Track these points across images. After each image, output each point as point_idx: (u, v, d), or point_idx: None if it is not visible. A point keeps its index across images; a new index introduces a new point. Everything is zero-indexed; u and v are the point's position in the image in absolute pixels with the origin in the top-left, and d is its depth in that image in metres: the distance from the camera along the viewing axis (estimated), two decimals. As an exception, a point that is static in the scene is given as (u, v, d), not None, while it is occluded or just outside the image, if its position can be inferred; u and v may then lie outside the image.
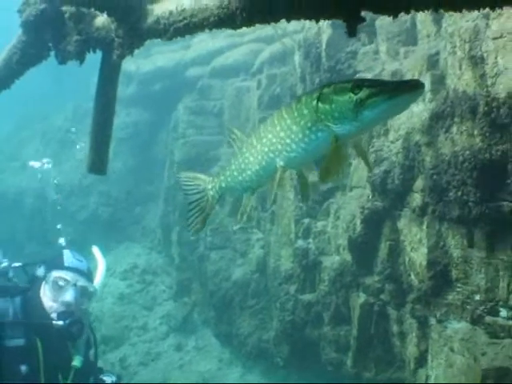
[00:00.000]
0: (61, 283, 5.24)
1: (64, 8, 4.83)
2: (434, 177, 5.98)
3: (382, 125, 7.08)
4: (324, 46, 8.57)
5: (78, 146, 18.06)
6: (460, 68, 5.61)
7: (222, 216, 12.50)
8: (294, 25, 9.76)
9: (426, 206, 6.33)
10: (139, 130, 17.73)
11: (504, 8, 2.88)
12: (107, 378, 5.61)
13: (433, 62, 6.44)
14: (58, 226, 16.56)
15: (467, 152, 5.43)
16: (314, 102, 3.47)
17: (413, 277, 6.65)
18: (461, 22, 5.60)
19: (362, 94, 3.25)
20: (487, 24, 5.23)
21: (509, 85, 4.94)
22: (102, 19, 4.78)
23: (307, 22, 6.74)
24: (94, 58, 5.03)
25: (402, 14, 3.04)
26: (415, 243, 6.58)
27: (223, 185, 4.66)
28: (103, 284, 5.97)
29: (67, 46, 4.95)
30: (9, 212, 18.51)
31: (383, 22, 7.72)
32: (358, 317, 7.83)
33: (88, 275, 5.46)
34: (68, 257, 5.45)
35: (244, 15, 3.57)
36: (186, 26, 4.11)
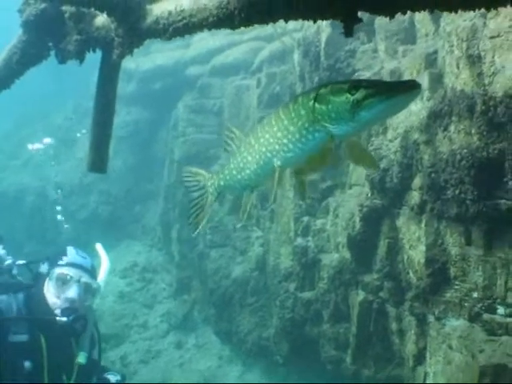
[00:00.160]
0: (65, 279, 5.25)
1: (64, 8, 4.86)
2: (432, 175, 6.01)
3: (380, 123, 7.11)
4: (323, 45, 8.60)
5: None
6: (458, 67, 5.63)
7: (222, 214, 12.54)
8: (294, 23, 9.80)
9: (424, 204, 6.36)
10: (139, 129, 17.77)
11: (498, 8, 2.90)
12: (112, 377, 5.58)
13: (431, 60, 6.46)
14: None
15: (465, 150, 5.45)
16: (311, 103, 3.48)
17: (411, 274, 6.68)
18: (458, 21, 5.61)
19: (359, 94, 3.26)
20: (484, 23, 5.25)
21: (506, 84, 4.96)
22: (101, 19, 4.81)
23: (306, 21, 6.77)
24: (94, 57, 5.06)
25: (399, 14, 3.06)
26: (414, 241, 6.61)
27: (222, 183, 4.71)
28: (106, 281, 5.97)
29: (67, 45, 4.98)
30: (9, 211, 18.53)
31: (382, 20, 7.74)
32: (357, 314, 7.86)
33: (92, 272, 5.45)
34: (72, 253, 5.45)
35: (242, 15, 3.59)
36: (184, 26, 4.14)
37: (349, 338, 8.30)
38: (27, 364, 4.98)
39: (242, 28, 3.84)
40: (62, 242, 15.71)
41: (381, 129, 7.25)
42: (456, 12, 3.01)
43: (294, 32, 10.96)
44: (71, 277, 5.24)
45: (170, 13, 4.21)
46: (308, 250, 9.25)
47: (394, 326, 7.37)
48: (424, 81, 6.28)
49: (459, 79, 5.61)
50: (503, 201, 5.25)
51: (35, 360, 5.02)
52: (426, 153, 6.20)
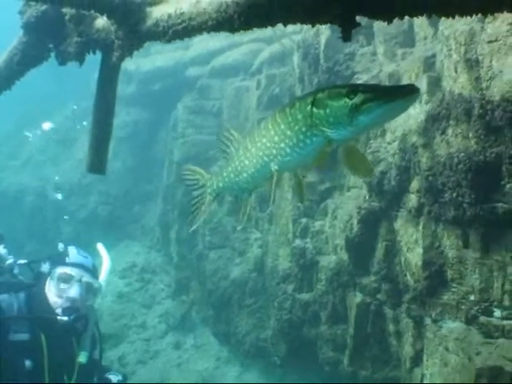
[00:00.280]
0: (66, 278, 5.26)
1: (64, 10, 4.88)
2: (430, 178, 6.04)
3: (378, 127, 7.13)
4: (322, 48, 8.62)
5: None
6: (456, 71, 5.66)
7: (221, 215, 12.55)
8: (293, 26, 9.82)
9: (421, 206, 6.39)
10: (139, 130, 17.79)
11: (494, 14, 2.93)
12: (113, 377, 5.60)
13: (429, 64, 6.49)
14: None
15: (462, 154, 5.48)
16: (309, 107, 3.47)
17: (409, 277, 6.71)
18: (457, 25, 5.64)
19: (357, 99, 3.24)
20: (482, 27, 5.27)
21: (503, 88, 4.99)
22: (101, 21, 4.82)
23: (305, 23, 6.80)
24: (94, 58, 5.08)
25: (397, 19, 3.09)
26: (411, 244, 6.64)
27: (221, 184, 4.73)
28: (108, 281, 5.99)
29: (67, 47, 5.00)
30: (9, 210, 18.54)
31: (381, 24, 7.70)
32: (354, 316, 7.89)
33: (93, 271, 5.46)
34: (73, 253, 5.46)
35: (242, 19, 3.61)
36: (184, 29, 4.16)
37: (346, 339, 8.32)
38: (28, 363, 4.99)
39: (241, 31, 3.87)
40: (62, 242, 15.68)
41: (379, 132, 7.28)
42: (453, 17, 3.03)
43: (294, 34, 10.98)
44: (72, 276, 5.25)
45: (169, 16, 4.22)
46: (306, 251, 9.27)
47: (391, 327, 7.40)
48: (422, 84, 6.31)
49: (457, 83, 5.64)
50: (500, 204, 5.29)
51: (36, 359, 5.02)
52: (423, 156, 6.23)
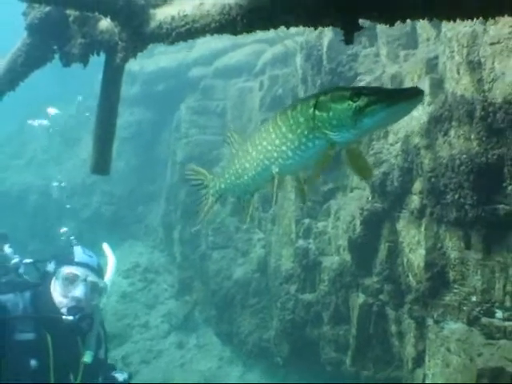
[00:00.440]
0: (71, 278, 5.27)
1: (68, 11, 4.90)
2: (432, 179, 6.05)
3: (381, 129, 7.15)
4: (325, 49, 8.64)
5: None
6: (458, 72, 5.68)
7: (224, 215, 12.57)
8: (296, 27, 9.83)
9: (424, 208, 6.41)
10: (142, 130, 17.81)
11: (496, 17, 2.94)
12: (119, 376, 5.60)
13: (432, 65, 6.51)
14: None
15: (464, 156, 5.49)
16: (311, 110, 3.47)
17: (411, 278, 6.72)
18: (459, 27, 5.65)
19: (361, 101, 3.24)
20: (485, 29, 5.28)
21: (505, 90, 5.00)
22: (105, 23, 4.84)
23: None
24: (98, 60, 5.10)
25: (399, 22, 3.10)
26: (413, 245, 6.65)
27: (223, 186, 4.75)
28: (113, 280, 6.00)
29: (71, 48, 5.02)
30: (12, 210, 18.57)
31: (384, 25, 7.77)
32: (357, 317, 7.91)
33: (98, 271, 5.46)
34: (78, 252, 5.46)
35: (244, 21, 3.63)
36: (187, 31, 4.18)
37: (349, 339, 8.33)
38: (33, 362, 4.99)
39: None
40: (67, 241, 15.73)
41: (382, 133, 7.29)
42: (454, 21, 3.05)
43: (297, 35, 11.00)
44: (78, 276, 5.25)
45: (173, 18, 4.24)
46: (309, 252, 9.29)
47: (393, 328, 7.41)
48: (425, 86, 6.32)
49: (459, 85, 5.65)
50: (502, 206, 5.30)
51: (41, 359, 5.03)
52: (426, 157, 6.24)
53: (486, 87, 5.23)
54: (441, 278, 6.23)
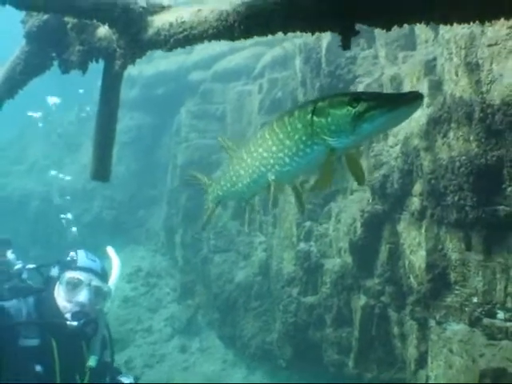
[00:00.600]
0: (75, 283, 5.25)
1: (66, 19, 4.92)
2: (432, 181, 6.05)
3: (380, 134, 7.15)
4: (324, 52, 8.65)
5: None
6: (456, 74, 5.68)
7: (226, 219, 12.57)
8: (295, 30, 9.83)
9: (424, 209, 6.41)
10: (142, 134, 17.83)
11: (492, 21, 2.95)
12: (125, 379, 5.58)
13: (430, 67, 6.51)
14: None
15: (464, 157, 5.50)
16: (309, 116, 3.47)
17: (412, 279, 6.72)
18: (457, 28, 5.65)
19: (361, 107, 3.25)
20: (482, 31, 5.28)
21: (503, 92, 5.00)
22: (103, 30, 4.86)
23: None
24: (97, 66, 5.11)
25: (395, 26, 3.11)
26: (414, 246, 6.65)
27: (220, 193, 4.77)
28: (117, 284, 5.98)
29: (70, 56, 5.04)
30: (13, 215, 18.58)
31: (382, 27, 7.78)
32: (359, 319, 7.91)
33: (102, 275, 5.44)
34: (82, 257, 5.45)
35: (242, 28, 3.65)
36: (185, 38, 4.19)
37: (351, 342, 8.34)
38: (38, 368, 4.98)
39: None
40: (69, 246, 15.73)
41: (382, 135, 7.29)
42: (451, 25, 3.06)
43: (295, 38, 11.00)
44: (82, 281, 5.24)
45: (171, 24, 4.26)
46: (311, 254, 9.30)
47: (395, 330, 7.41)
48: (423, 88, 6.33)
49: (458, 86, 5.65)
50: (502, 207, 5.30)
51: (46, 364, 5.02)
52: (425, 159, 6.24)
53: (485, 89, 5.23)
54: (442, 280, 6.23)
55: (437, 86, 6.27)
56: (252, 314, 11.51)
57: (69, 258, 5.42)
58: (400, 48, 7.69)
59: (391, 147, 7.13)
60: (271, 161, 3.82)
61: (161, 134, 17.28)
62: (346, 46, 3.18)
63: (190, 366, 12.74)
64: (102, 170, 5.34)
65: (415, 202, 6.57)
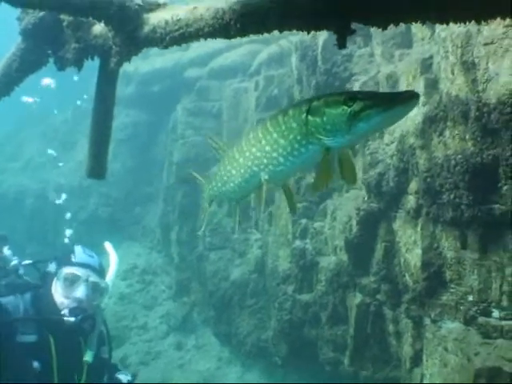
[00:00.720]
0: (72, 278, 5.24)
1: (62, 16, 4.91)
2: (428, 180, 6.06)
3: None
4: (320, 49, 8.63)
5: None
6: (452, 73, 5.68)
7: (221, 216, 12.57)
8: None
9: (420, 208, 6.41)
10: (138, 131, 17.80)
11: (489, 22, 2.95)
12: (123, 377, 5.58)
13: (426, 65, 6.51)
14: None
15: (459, 156, 5.50)
16: (304, 115, 3.45)
17: (408, 277, 6.73)
18: (453, 27, 5.65)
19: (356, 106, 3.23)
20: (479, 30, 5.28)
21: (499, 91, 5.00)
22: (99, 27, 4.85)
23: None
24: (93, 63, 5.10)
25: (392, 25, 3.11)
26: (410, 244, 6.66)
27: (211, 192, 4.76)
28: (114, 279, 5.97)
29: (66, 53, 5.03)
30: (9, 212, 18.54)
31: (378, 25, 7.77)
32: (354, 316, 7.92)
33: (100, 271, 5.43)
34: (79, 252, 5.44)
35: (238, 26, 3.64)
36: (181, 35, 4.19)
37: (346, 339, 8.34)
38: (36, 364, 4.98)
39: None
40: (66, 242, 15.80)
41: (378, 133, 7.29)
42: (447, 24, 3.06)
43: (291, 35, 10.99)
44: (79, 277, 5.23)
45: (166, 22, 4.25)
46: (306, 252, 9.30)
47: (391, 328, 7.43)
48: (420, 86, 6.33)
49: (454, 85, 5.66)
50: (497, 205, 5.32)
51: (44, 360, 5.02)
52: (421, 157, 6.24)
53: (481, 88, 5.23)
54: (437, 278, 6.24)
55: (433, 85, 6.26)
56: (247, 311, 11.51)
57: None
58: (396, 46, 7.69)
59: (387, 145, 7.13)
60: (264, 160, 3.79)
61: (157, 131, 17.24)
62: (341, 44, 3.17)
63: (186, 363, 12.74)
64: (97, 167, 5.35)
65: (411, 201, 6.57)
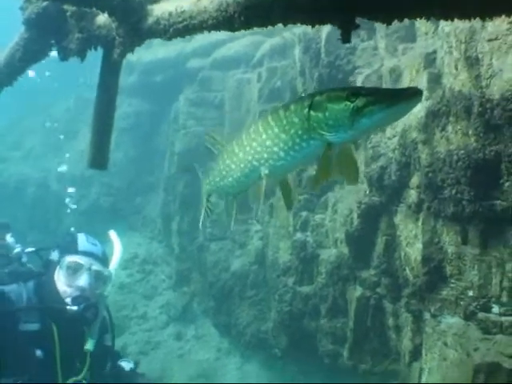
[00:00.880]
0: (75, 267, 5.23)
1: (66, 6, 4.89)
2: (430, 174, 6.05)
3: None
4: (323, 42, 8.60)
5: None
6: (456, 68, 5.66)
7: (222, 207, 12.54)
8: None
9: (421, 202, 6.41)
10: (140, 121, 17.78)
11: (494, 18, 2.94)
12: (126, 364, 5.61)
13: (430, 60, 6.48)
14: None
15: (462, 151, 5.50)
16: (306, 110, 3.45)
17: (408, 272, 6.74)
18: (457, 22, 5.62)
19: (359, 102, 3.22)
20: (483, 25, 5.26)
21: (503, 87, 4.99)
22: (103, 18, 4.83)
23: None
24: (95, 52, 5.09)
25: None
26: (411, 239, 6.66)
27: (208, 187, 4.76)
28: (119, 267, 5.96)
29: (69, 43, 5.02)
30: (10, 201, 18.54)
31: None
32: (354, 309, 7.94)
33: (103, 259, 5.43)
34: (82, 240, 5.44)
35: (242, 19, 3.63)
36: (185, 27, 4.17)
37: (346, 332, 8.37)
38: (39, 353, 5.00)
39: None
40: (68, 231, 15.82)
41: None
42: (452, 20, 3.05)
43: (295, 27, 10.95)
44: (82, 265, 5.23)
45: (170, 14, 4.24)
46: (307, 244, 9.31)
47: (390, 321, 7.45)
48: (423, 80, 6.32)
49: (457, 80, 5.64)
50: (499, 201, 5.31)
51: (47, 349, 5.04)
52: (423, 152, 6.24)
53: (484, 83, 5.22)
54: (438, 273, 6.25)
55: (436, 79, 6.25)
56: (247, 302, 11.52)
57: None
58: (400, 40, 7.66)
59: (389, 139, 7.12)
60: (265, 155, 3.78)
61: (159, 120, 17.22)
62: (346, 39, 3.16)
63: (185, 353, 12.78)
64: (99, 158, 5.32)
65: (412, 195, 6.57)
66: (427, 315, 6.45)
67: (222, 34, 14.82)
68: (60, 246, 5.47)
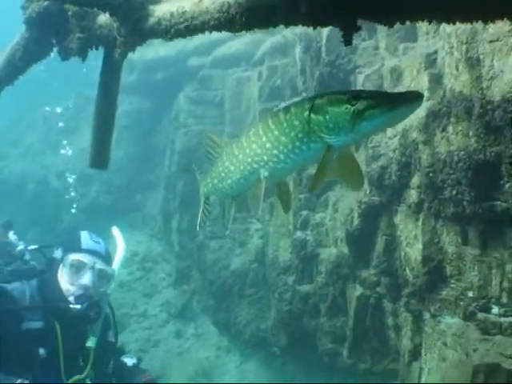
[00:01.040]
0: (78, 265, 5.20)
1: (67, 6, 4.89)
2: (430, 175, 6.06)
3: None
4: (324, 41, 8.59)
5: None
6: (457, 69, 5.66)
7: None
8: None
9: (421, 202, 6.42)
10: (141, 119, 17.78)
11: (495, 22, 2.94)
12: (128, 360, 5.59)
13: (431, 60, 6.48)
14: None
15: (462, 152, 5.50)
16: (306, 113, 3.44)
17: (408, 272, 6.74)
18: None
19: (360, 105, 3.21)
20: (484, 26, 5.26)
21: (504, 88, 4.98)
22: (104, 17, 4.83)
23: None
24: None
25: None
26: (411, 239, 6.67)
27: (206, 189, 4.75)
28: (122, 266, 5.95)
29: (70, 43, 5.01)
30: (11, 198, 18.54)
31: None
32: (354, 309, 7.95)
33: (106, 257, 5.39)
34: (85, 238, 5.41)
35: (243, 20, 3.64)
36: (186, 28, 4.17)
37: (346, 331, 8.38)
38: (42, 351, 4.98)
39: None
40: (70, 228, 15.85)
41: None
42: (454, 24, 3.05)
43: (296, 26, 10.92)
44: (85, 263, 5.20)
45: (172, 14, 4.23)
46: (307, 243, 9.31)
47: (390, 321, 7.46)
48: (424, 81, 6.32)
49: (458, 81, 5.64)
50: (499, 202, 5.32)
51: (50, 347, 5.01)
52: (424, 152, 6.24)
53: (485, 85, 5.21)
54: (438, 273, 6.26)
55: (437, 80, 6.24)
56: (247, 301, 11.54)
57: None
58: (401, 39, 7.66)
59: (390, 139, 7.12)
60: (265, 157, 3.77)
61: (159, 119, 17.22)
62: (347, 41, 3.17)
63: (185, 351, 12.79)
64: (100, 157, 5.32)
65: (413, 195, 6.57)
66: (427, 315, 6.46)
67: (222, 33, 14.77)
68: (63, 244, 5.44)
